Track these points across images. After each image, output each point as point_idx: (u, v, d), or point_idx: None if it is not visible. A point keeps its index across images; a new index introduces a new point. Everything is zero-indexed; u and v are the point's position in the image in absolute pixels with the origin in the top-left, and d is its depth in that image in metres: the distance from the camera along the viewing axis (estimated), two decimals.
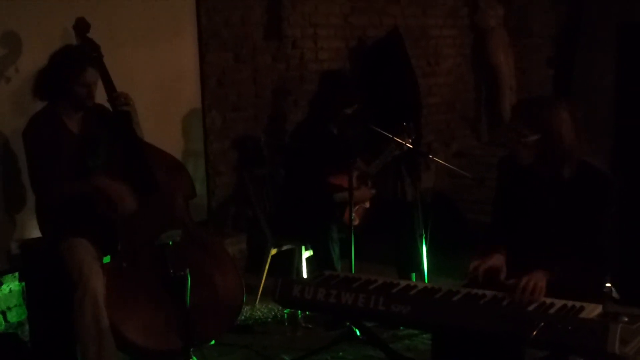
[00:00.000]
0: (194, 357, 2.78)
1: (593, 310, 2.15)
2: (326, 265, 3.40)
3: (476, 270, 2.34)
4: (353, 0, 4.75)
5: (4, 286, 3.22)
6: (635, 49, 4.61)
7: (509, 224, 2.49)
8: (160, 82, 3.81)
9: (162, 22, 3.81)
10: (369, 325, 2.93)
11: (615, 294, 2.39)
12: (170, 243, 2.72)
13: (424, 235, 3.46)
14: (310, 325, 3.43)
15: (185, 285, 2.68)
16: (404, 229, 3.59)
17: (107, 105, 3.00)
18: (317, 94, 3.80)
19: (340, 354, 3.12)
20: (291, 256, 3.82)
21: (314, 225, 3.50)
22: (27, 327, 3.14)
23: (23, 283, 3.11)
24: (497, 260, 2.39)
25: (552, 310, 2.18)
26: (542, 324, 2.05)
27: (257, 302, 3.74)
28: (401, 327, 3.26)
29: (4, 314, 3.23)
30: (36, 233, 3.04)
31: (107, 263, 2.83)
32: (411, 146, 3.60)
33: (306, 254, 3.73)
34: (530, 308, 2.21)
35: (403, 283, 2.48)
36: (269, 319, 3.58)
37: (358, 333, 3.15)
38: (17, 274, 3.16)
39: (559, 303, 2.21)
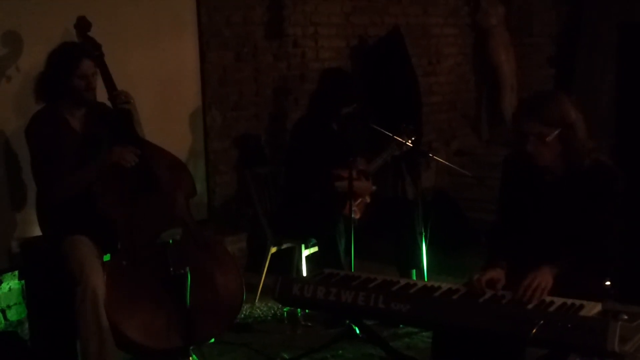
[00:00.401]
0: (194, 356, 2.78)
1: (593, 309, 2.15)
2: (332, 259, 3.36)
3: (479, 283, 2.33)
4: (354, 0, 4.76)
5: (3, 284, 3.22)
6: (635, 49, 4.61)
7: (514, 222, 2.48)
8: (161, 81, 3.82)
9: (163, 21, 3.81)
10: (369, 324, 2.93)
11: (614, 292, 2.40)
12: (171, 242, 2.72)
13: (424, 233, 3.46)
14: (310, 324, 3.44)
15: (185, 284, 2.67)
16: (404, 227, 3.58)
17: (109, 103, 3.00)
18: (316, 91, 3.80)
19: (340, 352, 3.12)
20: (291, 254, 3.82)
21: (320, 218, 3.48)
22: (26, 325, 3.15)
23: (23, 281, 3.12)
24: (497, 272, 2.38)
25: (551, 309, 2.18)
26: (542, 322, 2.05)
27: (256, 301, 3.74)
28: (401, 326, 3.27)
29: (3, 312, 3.24)
30: (36, 231, 3.04)
31: (107, 261, 2.83)
32: (411, 145, 3.59)
33: (306, 252, 3.73)
34: (530, 306, 2.21)
35: (403, 281, 2.48)
36: (269, 318, 3.58)
37: (358, 331, 3.15)
38: (17, 272, 3.16)
39: (558, 301, 2.21)
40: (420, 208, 3.46)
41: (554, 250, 2.35)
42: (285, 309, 3.53)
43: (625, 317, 2.07)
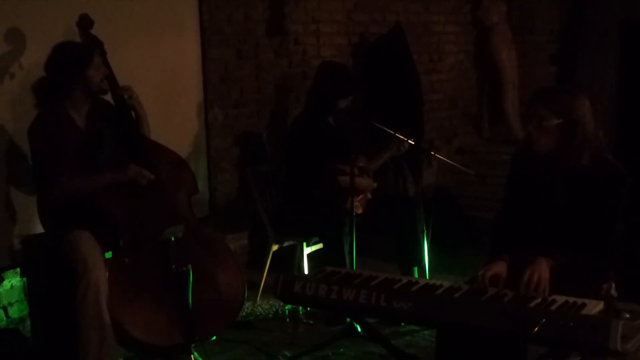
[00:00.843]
0: (195, 353, 2.79)
1: (595, 307, 2.14)
2: (336, 259, 3.35)
3: (483, 279, 2.33)
4: None
5: (5, 282, 3.22)
6: (637, 47, 4.60)
7: (519, 215, 2.48)
8: (163, 79, 3.81)
9: (164, 19, 3.80)
10: (371, 322, 2.93)
11: (614, 292, 2.40)
12: (173, 239, 2.73)
13: (426, 231, 3.46)
14: (311, 322, 3.43)
15: (187, 282, 2.68)
16: (405, 225, 3.58)
17: (111, 100, 3.01)
18: (312, 86, 3.79)
19: (342, 350, 3.11)
20: (293, 252, 3.82)
21: (323, 217, 3.47)
22: (28, 323, 3.14)
23: (25, 279, 3.12)
24: (500, 267, 2.38)
25: (553, 307, 2.18)
26: (544, 320, 2.05)
27: (258, 298, 3.74)
28: (402, 324, 3.26)
29: (5, 309, 3.23)
30: (38, 229, 3.04)
31: (109, 258, 2.83)
32: (413, 142, 3.59)
33: (307, 250, 3.73)
34: (532, 304, 2.21)
35: (404, 279, 2.48)
36: (270, 315, 3.58)
37: (359, 329, 3.14)
38: (18, 269, 3.16)
39: (560, 299, 2.21)
40: (421, 206, 3.45)
41: (556, 246, 2.35)
42: (286, 307, 3.52)
43: (628, 315, 2.08)
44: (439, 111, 5.43)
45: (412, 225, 3.56)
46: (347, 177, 3.30)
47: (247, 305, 3.59)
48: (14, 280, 3.25)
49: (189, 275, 2.67)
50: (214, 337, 2.98)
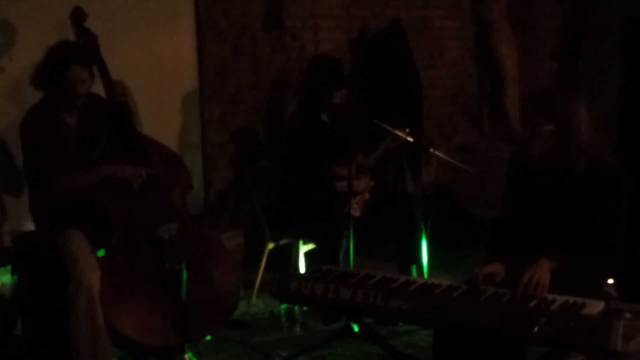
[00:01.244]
0: (189, 353, 2.76)
1: (595, 307, 2.13)
2: (330, 262, 3.34)
3: (476, 277, 2.30)
4: None
5: None
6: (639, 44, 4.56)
7: (518, 217, 2.46)
8: (158, 74, 3.78)
9: (160, 13, 3.78)
10: (368, 322, 2.89)
11: (614, 292, 2.37)
12: (167, 237, 2.69)
13: (425, 229, 3.42)
14: (307, 321, 3.40)
15: (181, 280, 2.65)
16: (404, 223, 3.55)
17: (103, 94, 2.96)
18: (305, 82, 3.75)
19: (339, 350, 3.08)
20: (289, 251, 3.79)
21: (320, 220, 3.45)
22: (19, 321, 3.10)
23: (16, 277, 3.08)
24: (497, 267, 2.36)
25: (553, 307, 2.16)
26: (544, 320, 2.03)
27: (254, 298, 3.71)
28: (400, 324, 3.23)
29: None
30: (30, 225, 3.00)
31: (101, 257, 2.79)
32: (411, 139, 3.55)
33: (304, 248, 3.70)
34: (532, 304, 2.19)
35: (402, 278, 2.47)
36: (266, 315, 3.55)
37: (356, 329, 3.11)
38: (9, 267, 3.12)
39: (560, 299, 2.19)
40: (420, 204, 3.42)
41: (556, 248, 2.33)
42: (282, 306, 3.49)
43: (629, 315, 2.06)
44: (438, 108, 5.40)
45: (410, 224, 3.53)
46: (344, 183, 3.26)
47: (243, 304, 3.55)
48: (4, 278, 3.21)
49: (183, 273, 2.64)
50: (209, 337, 2.95)
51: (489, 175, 3.88)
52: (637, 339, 1.98)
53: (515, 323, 2.08)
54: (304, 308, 3.43)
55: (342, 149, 3.38)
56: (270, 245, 3.74)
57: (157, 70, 3.77)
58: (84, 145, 2.84)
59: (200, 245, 2.95)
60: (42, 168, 2.76)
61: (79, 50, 2.87)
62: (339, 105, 3.57)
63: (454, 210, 4.75)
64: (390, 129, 3.53)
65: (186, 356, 2.74)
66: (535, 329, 2.01)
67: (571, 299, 2.17)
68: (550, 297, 2.21)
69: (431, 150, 3.65)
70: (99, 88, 2.94)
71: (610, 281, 2.42)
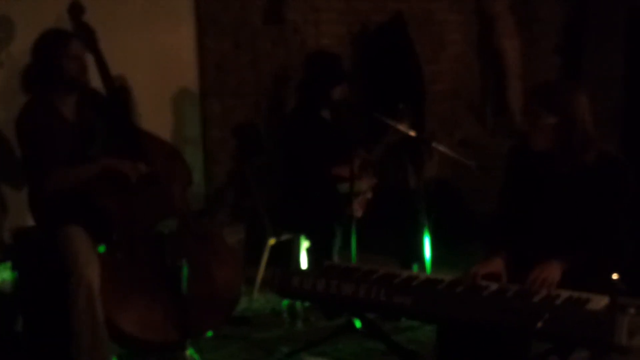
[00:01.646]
0: (191, 349, 2.75)
1: (599, 302, 2.11)
2: (323, 256, 3.34)
3: (475, 277, 2.28)
4: None
5: None
6: None
7: (518, 213, 2.44)
8: (158, 68, 3.77)
9: (159, 7, 3.77)
10: (370, 317, 2.88)
11: (622, 286, 2.35)
12: (167, 232, 2.69)
13: (427, 225, 3.40)
14: (309, 317, 3.39)
15: (181, 276, 2.65)
16: (406, 218, 3.53)
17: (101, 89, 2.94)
18: (303, 79, 3.72)
19: (340, 346, 3.07)
20: (290, 246, 3.77)
21: (316, 220, 3.44)
22: (19, 317, 3.09)
23: (16, 273, 3.06)
24: (496, 265, 2.33)
25: (557, 302, 2.14)
26: (548, 315, 2.02)
27: (255, 293, 3.69)
28: (403, 319, 3.21)
29: None
30: (30, 221, 2.99)
31: (101, 253, 2.78)
32: (413, 134, 3.52)
33: (305, 244, 3.68)
34: (536, 299, 2.17)
35: (405, 274, 2.45)
36: (268, 311, 3.54)
37: (358, 325, 3.09)
38: (9, 263, 3.10)
39: (564, 294, 2.17)
40: (422, 199, 3.40)
41: (558, 244, 2.31)
42: (284, 302, 3.47)
43: (633, 310, 2.03)
44: (440, 102, 5.36)
45: (413, 219, 3.50)
46: (346, 185, 3.25)
47: (244, 300, 3.54)
48: (4, 275, 3.19)
49: (184, 269, 2.63)
50: (210, 333, 2.94)
51: (492, 170, 3.84)
52: None
53: (519, 318, 2.07)
54: (306, 304, 3.41)
55: (343, 147, 3.35)
56: (272, 241, 3.72)
57: (157, 65, 3.75)
58: (82, 140, 2.82)
59: (201, 241, 2.94)
60: (40, 161, 2.74)
61: (74, 31, 2.87)
62: (339, 101, 3.55)
63: (457, 205, 4.73)
64: (392, 123, 3.50)
65: (187, 352, 2.73)
66: (539, 324, 2.00)
67: (575, 294, 2.15)
68: (554, 292, 2.19)
69: (433, 145, 3.62)
70: (95, 82, 2.91)
71: (615, 276, 2.40)
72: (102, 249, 2.81)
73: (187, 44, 3.92)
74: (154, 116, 3.37)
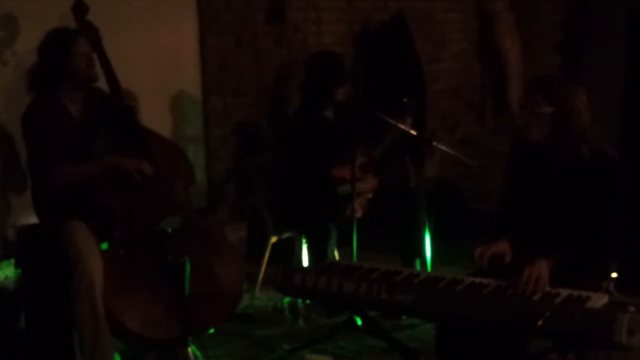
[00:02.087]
0: (193, 346, 2.76)
1: (599, 300, 2.12)
2: (318, 255, 3.35)
3: (481, 257, 2.29)
4: None
5: (0, 273, 3.19)
6: None
7: (517, 207, 2.44)
8: (160, 66, 3.76)
9: (161, 5, 3.75)
10: (371, 315, 2.89)
11: (613, 288, 2.36)
12: (169, 230, 2.69)
13: (428, 223, 3.41)
14: (311, 315, 3.40)
15: (184, 273, 2.65)
16: (407, 217, 3.53)
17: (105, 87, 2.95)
18: (305, 80, 3.72)
19: (342, 343, 3.08)
20: (292, 244, 3.78)
21: (312, 220, 3.45)
22: (23, 314, 3.11)
23: (19, 269, 3.08)
24: (501, 246, 2.34)
25: (557, 300, 2.14)
26: (548, 313, 2.02)
27: (257, 291, 3.70)
28: (404, 317, 3.23)
29: None
30: (33, 219, 2.99)
31: (104, 250, 2.79)
32: (414, 133, 3.53)
33: None
34: (536, 298, 2.18)
35: (406, 272, 2.45)
36: (269, 308, 3.55)
37: (359, 322, 3.10)
38: (13, 260, 3.12)
39: (564, 293, 2.17)
40: (423, 197, 3.41)
41: (554, 241, 2.31)
42: (286, 300, 3.48)
43: (633, 309, 2.05)
44: (441, 101, 5.37)
45: (414, 217, 3.51)
46: (347, 186, 3.25)
47: (246, 297, 3.55)
48: (8, 271, 3.21)
49: (186, 267, 2.63)
50: (212, 330, 2.94)
51: (492, 169, 3.86)
52: None
53: (519, 316, 2.07)
54: (307, 301, 3.42)
55: (345, 147, 3.36)
56: (273, 239, 3.73)
57: (159, 63, 3.74)
58: (86, 137, 2.83)
59: (203, 238, 2.95)
60: (44, 157, 2.75)
61: (79, 29, 2.88)
62: (342, 101, 3.55)
63: (457, 203, 4.74)
64: (393, 122, 3.51)
65: (189, 349, 2.74)
66: (540, 322, 2.00)
67: (575, 293, 2.16)
68: (554, 290, 2.19)
69: (434, 143, 3.63)
70: (101, 83, 2.92)
71: (614, 275, 2.41)
72: (104, 246, 2.81)
73: (189, 43, 3.91)
74: (156, 114, 3.37)
